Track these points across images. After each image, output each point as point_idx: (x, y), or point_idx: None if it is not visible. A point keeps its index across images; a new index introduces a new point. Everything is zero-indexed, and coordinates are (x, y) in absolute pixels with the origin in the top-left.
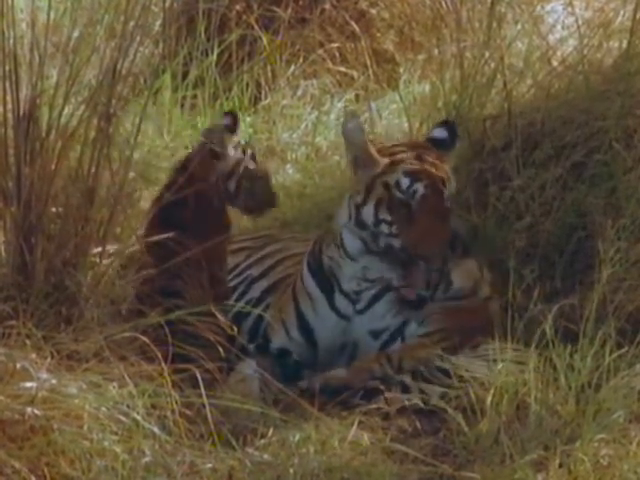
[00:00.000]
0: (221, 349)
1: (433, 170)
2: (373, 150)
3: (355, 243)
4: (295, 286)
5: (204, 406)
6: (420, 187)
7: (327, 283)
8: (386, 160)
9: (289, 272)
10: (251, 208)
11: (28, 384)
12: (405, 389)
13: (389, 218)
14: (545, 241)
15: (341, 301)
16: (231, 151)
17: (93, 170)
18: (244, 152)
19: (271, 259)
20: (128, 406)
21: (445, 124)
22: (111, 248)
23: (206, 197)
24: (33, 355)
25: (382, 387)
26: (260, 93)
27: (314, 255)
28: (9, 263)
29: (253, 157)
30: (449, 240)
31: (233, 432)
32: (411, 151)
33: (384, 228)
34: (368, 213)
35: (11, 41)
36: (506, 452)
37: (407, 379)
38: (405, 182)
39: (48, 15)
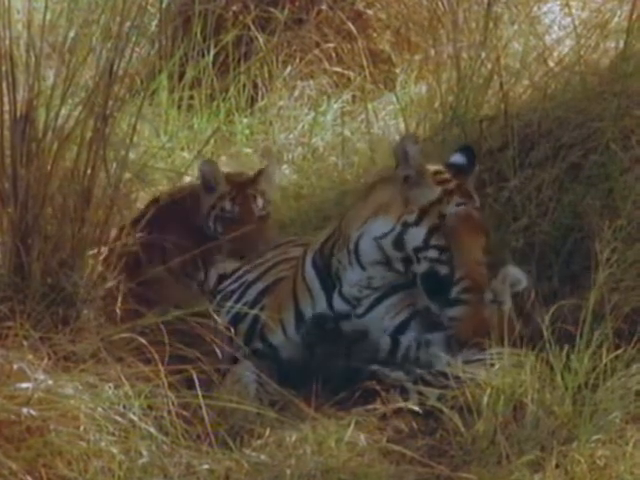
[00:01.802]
0: (218, 350)
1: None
2: (429, 175)
3: (375, 255)
4: (295, 285)
5: (201, 407)
6: (454, 210)
7: (330, 283)
8: (439, 189)
9: (285, 275)
10: (229, 250)
11: (25, 385)
12: (403, 391)
13: (443, 244)
14: (542, 242)
15: (339, 303)
16: (224, 188)
17: (89, 171)
18: (237, 190)
19: (268, 263)
20: (124, 407)
21: (464, 150)
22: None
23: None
24: (30, 356)
25: (379, 388)
26: (257, 94)
27: (323, 255)
28: (6, 264)
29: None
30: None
31: (230, 433)
32: (454, 181)
33: (433, 253)
34: (417, 235)
35: (7, 42)
36: (503, 452)
37: (406, 382)
38: (452, 211)
39: (44, 16)
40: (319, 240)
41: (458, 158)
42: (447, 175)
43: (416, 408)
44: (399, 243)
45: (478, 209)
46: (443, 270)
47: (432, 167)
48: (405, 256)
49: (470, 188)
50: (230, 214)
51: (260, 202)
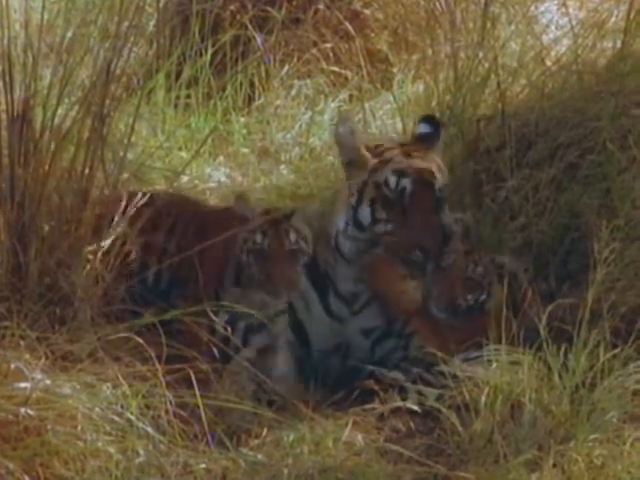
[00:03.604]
0: (215, 350)
1: (420, 164)
2: (365, 151)
3: (351, 246)
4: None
5: (198, 406)
6: (407, 183)
7: (322, 285)
8: (375, 160)
9: None
10: (259, 282)
11: (22, 385)
12: (401, 390)
13: (385, 216)
14: (539, 241)
15: (337, 304)
16: (257, 221)
17: (87, 171)
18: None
19: None
20: (122, 406)
21: (427, 119)
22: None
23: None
24: (27, 356)
25: (376, 388)
26: (254, 93)
27: (309, 257)
28: (3, 264)
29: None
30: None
31: (227, 432)
32: (398, 148)
33: (381, 227)
34: (365, 214)
35: (5, 41)
36: (500, 452)
37: (404, 381)
38: (393, 180)
39: (42, 15)
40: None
41: (423, 128)
42: (389, 146)
43: (415, 407)
44: (360, 227)
45: (430, 172)
46: (394, 242)
47: (374, 143)
48: (371, 236)
49: (431, 155)
50: (260, 246)
51: (293, 237)
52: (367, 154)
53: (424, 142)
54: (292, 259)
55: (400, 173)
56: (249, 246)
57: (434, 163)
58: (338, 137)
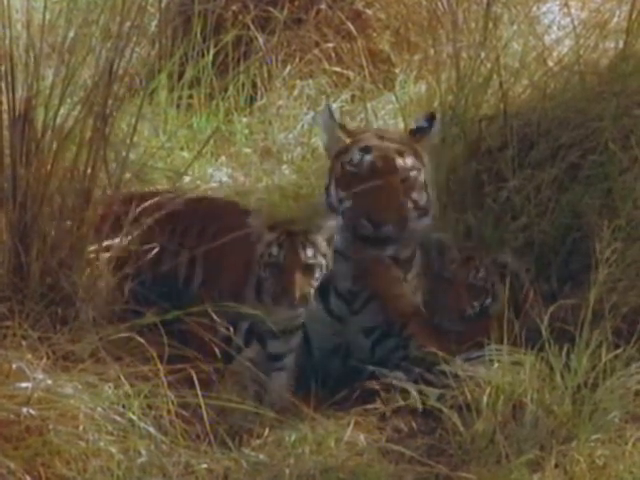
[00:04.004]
0: (217, 350)
1: (389, 144)
2: (341, 134)
3: (341, 238)
4: None
5: (200, 406)
6: (369, 158)
7: (322, 285)
8: (348, 141)
9: None
10: (273, 295)
11: (24, 384)
12: (403, 391)
13: (344, 194)
14: (541, 242)
15: (337, 304)
16: (273, 235)
17: (89, 171)
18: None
19: None
20: (124, 406)
21: (427, 115)
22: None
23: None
24: (29, 356)
25: (378, 387)
26: (256, 93)
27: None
28: (4, 264)
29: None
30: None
31: (229, 432)
32: (374, 132)
33: (346, 204)
34: (333, 194)
35: (7, 41)
36: (502, 452)
37: (406, 381)
38: (357, 157)
39: (44, 15)
40: None
41: (419, 122)
42: (366, 129)
43: (418, 405)
44: (332, 208)
45: (397, 152)
46: (354, 217)
47: (353, 128)
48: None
49: (415, 144)
50: (276, 259)
51: (310, 251)
52: (343, 136)
53: (416, 134)
54: (307, 273)
55: (365, 149)
56: (265, 259)
57: (409, 148)
58: (319, 121)
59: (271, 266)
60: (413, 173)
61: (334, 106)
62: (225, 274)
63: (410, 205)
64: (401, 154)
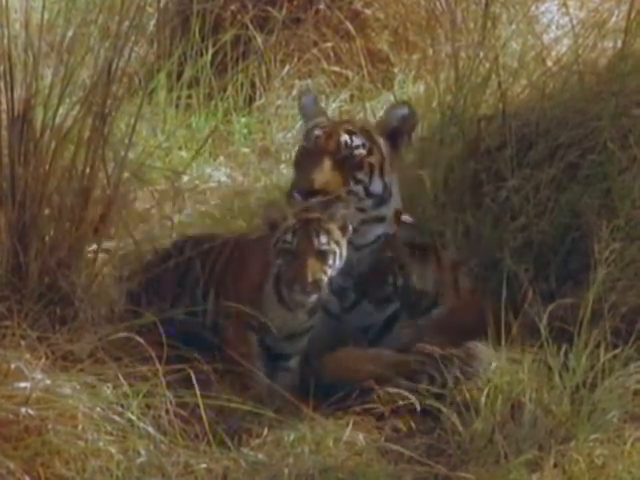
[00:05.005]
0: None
1: (341, 123)
2: (322, 119)
3: None
4: None
5: (199, 406)
6: (316, 132)
7: None
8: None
9: None
10: (285, 281)
11: (22, 384)
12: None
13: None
14: (540, 241)
15: (330, 300)
16: (288, 222)
17: (87, 170)
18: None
19: None
20: (122, 406)
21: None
22: (106, 247)
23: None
24: (27, 355)
25: (376, 387)
26: (255, 93)
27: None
28: (3, 264)
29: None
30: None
31: (228, 432)
32: (345, 119)
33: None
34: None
35: (5, 41)
36: (501, 452)
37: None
38: (308, 133)
39: (42, 15)
40: None
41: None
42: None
43: (418, 402)
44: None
45: (345, 130)
46: None
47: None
48: None
49: (372, 128)
50: (290, 246)
51: (324, 238)
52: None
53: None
54: (320, 259)
55: (316, 126)
56: (279, 246)
57: (365, 132)
58: (301, 107)
59: (285, 252)
60: (359, 152)
61: (314, 92)
62: (244, 279)
63: (353, 184)
64: (350, 133)
